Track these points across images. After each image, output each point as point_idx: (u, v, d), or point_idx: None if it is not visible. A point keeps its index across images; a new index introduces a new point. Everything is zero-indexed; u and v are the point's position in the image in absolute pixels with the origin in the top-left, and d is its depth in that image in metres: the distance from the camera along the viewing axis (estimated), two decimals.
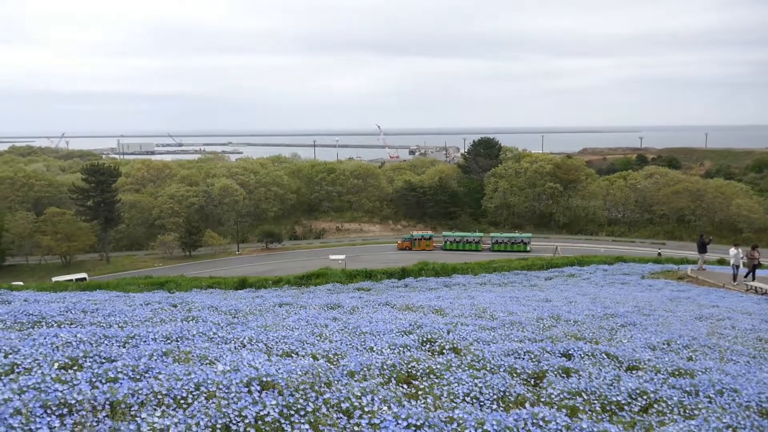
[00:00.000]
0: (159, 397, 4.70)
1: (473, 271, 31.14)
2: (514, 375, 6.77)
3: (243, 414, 4.43)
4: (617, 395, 6.05)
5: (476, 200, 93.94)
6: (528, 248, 73.10)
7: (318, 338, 8.50)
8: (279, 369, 5.53)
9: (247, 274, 38.46)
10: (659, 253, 54.23)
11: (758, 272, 23.06)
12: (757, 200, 79.78)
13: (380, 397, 5.22)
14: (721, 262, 35.38)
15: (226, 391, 4.89)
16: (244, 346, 7.57)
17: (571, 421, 5.01)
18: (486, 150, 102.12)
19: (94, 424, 4.18)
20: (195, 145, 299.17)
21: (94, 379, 5.05)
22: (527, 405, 5.49)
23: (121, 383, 4.89)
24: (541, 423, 4.85)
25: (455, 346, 8.13)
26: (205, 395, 4.83)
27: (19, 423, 3.91)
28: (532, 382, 6.73)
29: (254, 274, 37.84)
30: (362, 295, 18.86)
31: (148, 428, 4.03)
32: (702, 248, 27.35)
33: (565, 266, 32.40)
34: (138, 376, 5.34)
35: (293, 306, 13.79)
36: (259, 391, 4.94)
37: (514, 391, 6.00)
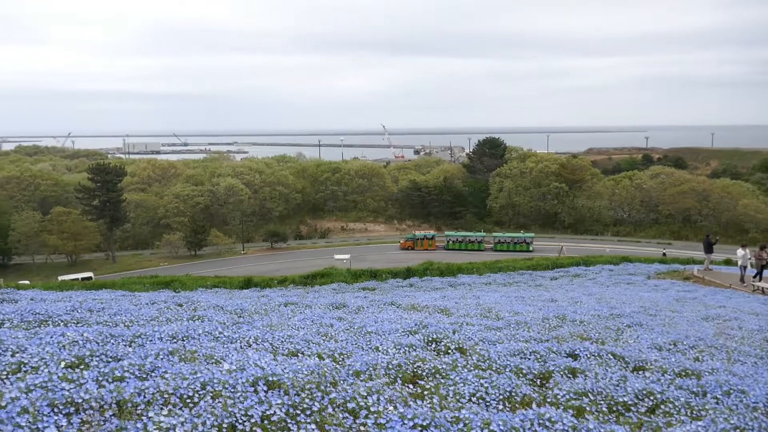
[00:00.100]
0: (165, 396, 4.71)
1: (478, 271, 31.10)
2: (520, 375, 6.75)
3: (249, 413, 4.43)
4: (624, 396, 6.03)
5: (481, 200, 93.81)
6: (531, 248, 72.93)
7: (323, 338, 8.50)
8: (285, 368, 5.53)
9: (252, 273, 38.51)
10: (664, 253, 54.02)
11: (766, 273, 22.95)
12: (763, 200, 79.39)
13: (386, 397, 5.22)
14: (728, 262, 35.25)
15: (232, 390, 4.90)
16: (250, 345, 7.58)
17: (577, 421, 4.99)
18: (491, 150, 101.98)
19: (101, 422, 4.18)
20: (200, 144, 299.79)
21: (100, 378, 5.06)
22: (533, 405, 5.48)
23: (127, 382, 4.90)
24: (547, 423, 4.84)
25: (461, 346, 8.12)
26: (211, 394, 4.84)
27: (27, 422, 3.91)
28: (538, 382, 6.71)
29: (259, 274, 37.88)
30: (367, 294, 18.86)
31: (155, 427, 4.03)
32: (708, 248, 27.25)
33: (571, 266, 32.33)
34: (144, 375, 5.35)
35: (298, 305, 13.80)
36: (265, 391, 4.94)
37: (520, 392, 5.98)
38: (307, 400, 4.86)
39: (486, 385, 5.94)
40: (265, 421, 4.44)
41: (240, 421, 4.34)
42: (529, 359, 7.45)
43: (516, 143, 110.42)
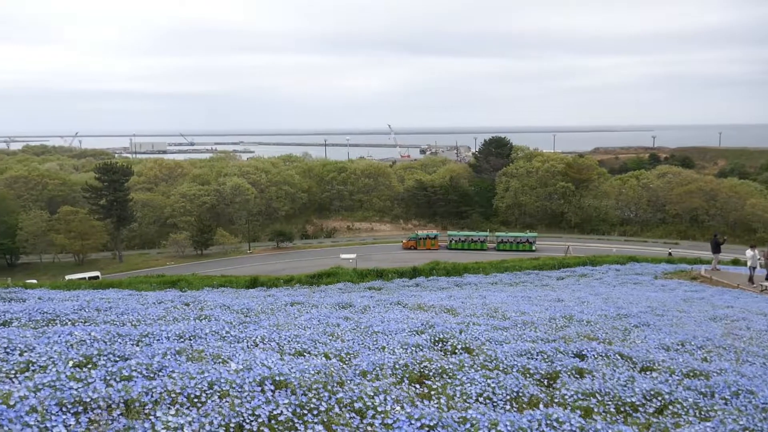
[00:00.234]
0: (173, 395, 4.72)
1: (484, 271, 31.06)
2: (527, 375, 6.74)
3: (256, 413, 4.43)
4: (631, 396, 6.01)
5: (487, 199, 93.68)
6: (533, 248, 72.71)
7: (330, 337, 8.50)
8: (292, 368, 5.54)
9: (259, 272, 38.55)
10: (670, 253, 53.81)
11: None
12: None
13: (393, 396, 5.21)
14: (736, 262, 35.09)
15: (240, 390, 4.90)
16: (257, 345, 7.59)
17: (585, 422, 4.97)
18: (497, 149, 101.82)
19: (109, 422, 4.20)
20: (207, 144, 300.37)
21: (108, 378, 5.07)
22: (541, 406, 5.47)
23: (135, 381, 4.90)
24: (555, 424, 4.82)
25: (467, 345, 8.10)
26: (218, 394, 4.84)
27: (35, 421, 3.93)
28: (546, 382, 6.69)
29: (265, 273, 37.94)
30: (373, 294, 18.86)
31: (163, 427, 4.04)
32: (716, 248, 27.13)
33: (577, 266, 32.25)
34: (152, 375, 5.36)
35: (305, 305, 13.81)
36: (272, 391, 4.95)
37: (528, 392, 5.97)
38: (314, 400, 4.86)
39: (493, 385, 5.93)
40: (273, 421, 4.44)
41: (247, 421, 4.35)
42: (536, 359, 7.43)
43: (522, 143, 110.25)
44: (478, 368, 6.74)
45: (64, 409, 4.27)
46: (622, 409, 5.82)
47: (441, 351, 7.90)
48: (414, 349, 7.62)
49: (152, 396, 4.64)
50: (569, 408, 5.60)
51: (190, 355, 6.33)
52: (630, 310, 13.50)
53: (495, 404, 5.64)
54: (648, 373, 7.42)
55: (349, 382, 5.64)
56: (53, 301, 11.86)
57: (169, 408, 4.48)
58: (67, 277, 48.15)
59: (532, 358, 7.46)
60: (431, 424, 4.59)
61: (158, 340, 7.20)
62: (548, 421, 4.84)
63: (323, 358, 6.65)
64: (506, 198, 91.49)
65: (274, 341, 7.73)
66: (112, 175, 74.87)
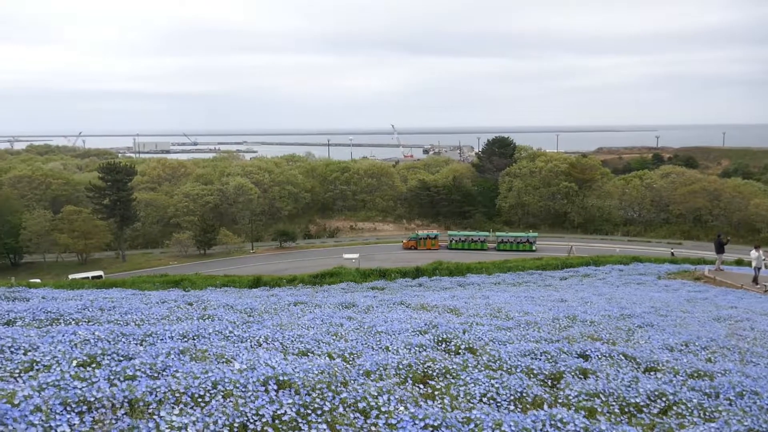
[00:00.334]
0: (177, 395, 4.72)
1: (487, 271, 31.04)
2: (531, 376, 6.73)
3: (260, 413, 4.44)
4: (636, 397, 5.99)
5: (490, 199, 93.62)
6: (534, 248, 72.60)
7: (333, 337, 8.50)
8: (295, 368, 5.53)
9: (262, 272, 38.59)
10: (672, 253, 53.67)
11: None
12: None
13: (397, 397, 5.21)
14: (739, 262, 35.02)
15: (243, 390, 4.90)
16: (260, 344, 7.59)
17: (589, 422, 4.96)
18: (500, 149, 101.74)
19: (113, 421, 4.20)
20: (210, 144, 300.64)
21: (112, 377, 5.08)
22: (545, 406, 5.46)
23: (139, 381, 4.91)
24: (559, 424, 4.82)
25: (471, 346, 8.10)
26: (222, 394, 4.84)
27: (40, 420, 3.93)
28: (549, 383, 6.68)
29: (268, 273, 37.96)
30: (376, 294, 18.85)
31: (167, 426, 4.04)
32: (719, 248, 27.06)
33: (580, 266, 32.23)
34: (156, 374, 5.37)
35: (308, 305, 13.81)
36: (275, 390, 4.94)
37: (531, 392, 5.96)
38: (317, 400, 4.86)
39: (497, 385, 5.92)
40: (276, 421, 4.44)
41: (251, 421, 4.35)
42: (540, 360, 7.42)
43: (525, 143, 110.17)
44: (482, 368, 6.73)
45: (68, 408, 4.27)
46: (626, 410, 5.80)
47: (444, 351, 7.90)
48: (417, 349, 7.62)
49: (156, 395, 4.65)
50: (573, 408, 5.59)
51: (194, 355, 6.34)
52: (633, 311, 13.47)
53: (499, 404, 5.63)
54: (652, 373, 7.41)
55: (352, 382, 5.64)
56: (57, 300, 11.89)
57: (173, 408, 4.48)
58: (71, 277, 48.26)
59: (536, 359, 7.45)
60: (435, 424, 4.58)
61: (162, 339, 7.21)
62: (552, 422, 4.83)
63: (327, 358, 6.65)
64: (509, 198, 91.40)
65: (278, 341, 7.73)
66: (115, 174, 75.00)
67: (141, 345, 6.84)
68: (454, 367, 6.61)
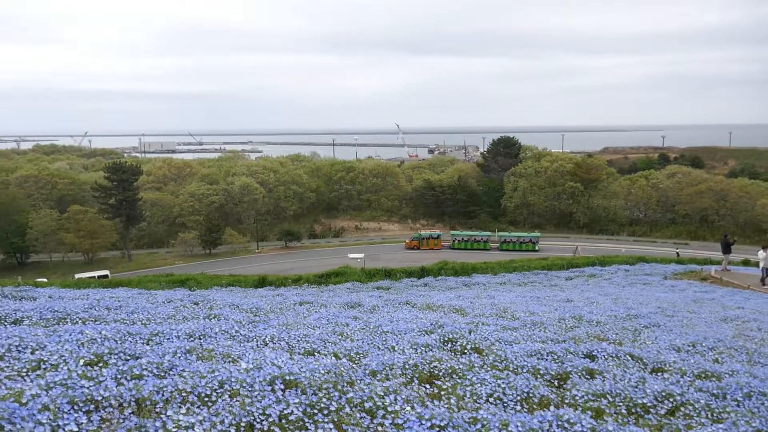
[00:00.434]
0: (183, 394, 4.72)
1: (493, 271, 31.00)
2: (538, 376, 6.71)
3: (267, 412, 4.43)
4: (643, 397, 5.97)
5: (496, 199, 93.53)
6: (537, 248, 72.47)
7: (339, 337, 8.49)
8: (302, 368, 5.53)
9: (267, 272, 38.64)
10: (677, 254, 53.45)
11: None
12: None
13: (403, 396, 5.20)
14: (746, 263, 34.86)
15: (250, 389, 4.90)
16: (266, 344, 7.59)
17: (596, 423, 4.95)
18: (506, 149, 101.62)
19: (121, 420, 4.21)
20: (215, 143, 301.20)
21: (119, 376, 5.08)
22: (552, 407, 5.45)
23: (146, 380, 4.91)
24: (566, 425, 4.80)
25: (477, 346, 8.08)
26: (229, 393, 4.84)
27: (47, 419, 3.94)
28: (556, 383, 6.66)
29: (274, 273, 38.01)
30: (382, 294, 18.84)
31: (174, 425, 4.04)
32: (726, 249, 26.95)
33: (586, 266, 32.14)
34: (162, 374, 5.37)
35: (313, 305, 13.81)
36: (282, 390, 4.94)
37: (538, 393, 5.94)
38: (324, 400, 4.86)
39: (503, 385, 5.91)
40: (283, 420, 4.44)
41: (258, 420, 4.35)
42: (546, 360, 7.40)
43: (530, 142, 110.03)
44: (488, 368, 6.72)
45: (75, 407, 4.28)
46: (633, 411, 5.78)
47: (450, 351, 7.88)
48: (423, 349, 7.60)
49: (163, 395, 4.65)
50: (580, 409, 5.57)
51: (201, 354, 6.34)
52: (640, 311, 13.43)
53: (505, 405, 5.61)
54: (659, 374, 7.38)
55: (359, 381, 5.63)
56: (63, 299, 11.91)
57: (180, 407, 4.49)
58: (77, 276, 48.46)
59: (542, 359, 7.43)
60: (442, 424, 4.57)
61: (168, 339, 7.22)
62: (559, 422, 4.82)
63: (333, 358, 6.65)
64: (515, 198, 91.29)
65: (284, 341, 7.73)
66: (121, 174, 75.25)
67: (148, 344, 6.85)
68: (461, 367, 6.59)
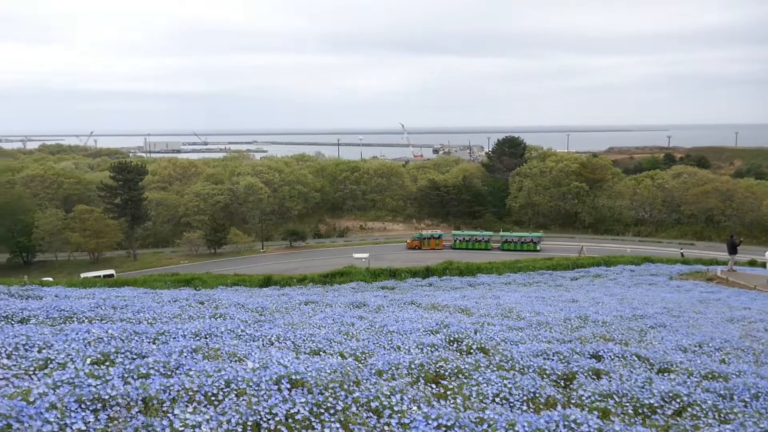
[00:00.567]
0: (190, 393, 4.73)
1: (498, 271, 30.97)
2: (544, 376, 6.70)
3: (273, 412, 4.44)
4: (649, 398, 5.95)
5: (500, 199, 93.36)
6: (538, 248, 72.28)
7: (345, 336, 8.50)
8: (308, 367, 5.53)
9: (272, 272, 38.69)
10: (682, 254, 53.26)
11: None
12: None
13: (409, 396, 5.20)
14: (752, 263, 34.72)
15: (256, 388, 4.91)
16: (272, 343, 7.60)
17: (603, 423, 4.93)
18: (510, 149, 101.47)
19: (128, 419, 4.22)
20: (220, 143, 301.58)
21: (126, 375, 5.10)
22: (558, 407, 5.43)
23: (152, 379, 4.92)
24: (572, 425, 4.79)
25: (483, 346, 8.07)
26: (235, 392, 4.85)
27: (55, 417, 3.95)
28: (562, 383, 6.65)
29: (279, 272, 38.06)
30: (387, 293, 18.85)
31: (181, 424, 4.05)
32: (732, 249, 26.86)
33: (591, 266, 32.08)
34: (169, 373, 5.38)
35: (319, 304, 13.82)
36: (288, 389, 4.94)
37: (544, 393, 5.93)
38: (330, 399, 4.86)
39: (509, 385, 5.90)
40: (290, 420, 4.44)
41: (264, 419, 4.35)
42: (553, 360, 7.38)
43: (535, 142, 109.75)
44: (494, 368, 6.71)
45: (83, 406, 4.29)
46: (640, 411, 5.76)
47: (456, 351, 7.87)
48: (429, 348, 7.60)
49: (170, 394, 4.66)
50: (587, 409, 5.56)
51: (207, 354, 6.35)
52: (646, 311, 13.39)
53: (512, 405, 5.61)
54: (666, 374, 7.36)
55: (365, 381, 5.63)
56: (70, 298, 11.96)
57: (186, 406, 4.49)
58: (83, 275, 48.59)
59: (549, 359, 7.42)
60: (448, 424, 4.57)
61: (174, 338, 7.23)
62: (566, 422, 4.81)
63: (339, 358, 6.65)
64: (519, 198, 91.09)
65: (290, 340, 7.74)
66: (126, 174, 75.46)
67: (154, 343, 6.86)
68: (467, 366, 6.59)
